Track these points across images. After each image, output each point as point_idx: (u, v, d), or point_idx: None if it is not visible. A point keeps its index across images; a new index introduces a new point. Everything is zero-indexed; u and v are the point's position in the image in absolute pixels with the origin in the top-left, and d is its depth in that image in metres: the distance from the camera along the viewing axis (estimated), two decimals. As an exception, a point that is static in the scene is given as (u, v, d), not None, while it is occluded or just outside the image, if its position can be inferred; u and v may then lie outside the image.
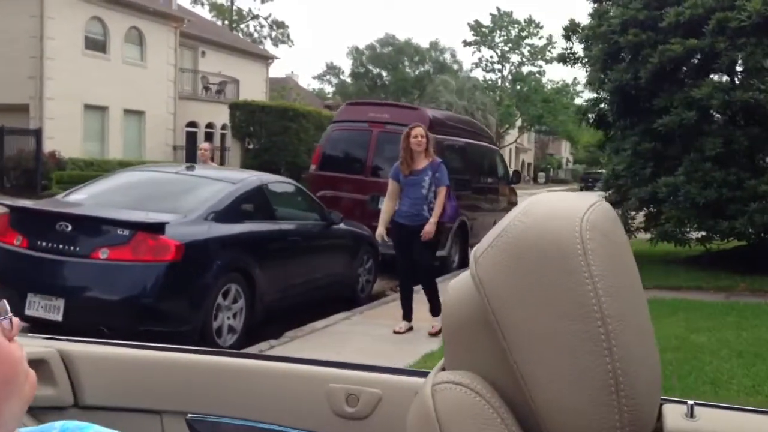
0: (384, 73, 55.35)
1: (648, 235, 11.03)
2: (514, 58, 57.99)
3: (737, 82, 9.11)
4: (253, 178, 7.25)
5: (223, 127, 31.99)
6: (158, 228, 5.75)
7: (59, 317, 5.66)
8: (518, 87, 56.50)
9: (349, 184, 10.60)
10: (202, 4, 52.72)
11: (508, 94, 55.99)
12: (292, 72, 58.03)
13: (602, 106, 11.17)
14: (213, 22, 46.35)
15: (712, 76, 9.78)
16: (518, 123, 57.20)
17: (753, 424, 1.15)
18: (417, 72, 54.99)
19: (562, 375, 0.76)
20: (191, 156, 31.00)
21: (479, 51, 58.71)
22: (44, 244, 5.83)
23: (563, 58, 11.60)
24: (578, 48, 11.55)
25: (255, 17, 54.76)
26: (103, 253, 5.69)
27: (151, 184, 6.97)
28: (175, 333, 5.84)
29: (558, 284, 0.77)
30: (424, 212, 6.60)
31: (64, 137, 24.75)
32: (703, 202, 9.04)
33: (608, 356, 0.75)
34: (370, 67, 56.04)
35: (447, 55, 55.29)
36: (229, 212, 6.54)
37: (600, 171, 63.70)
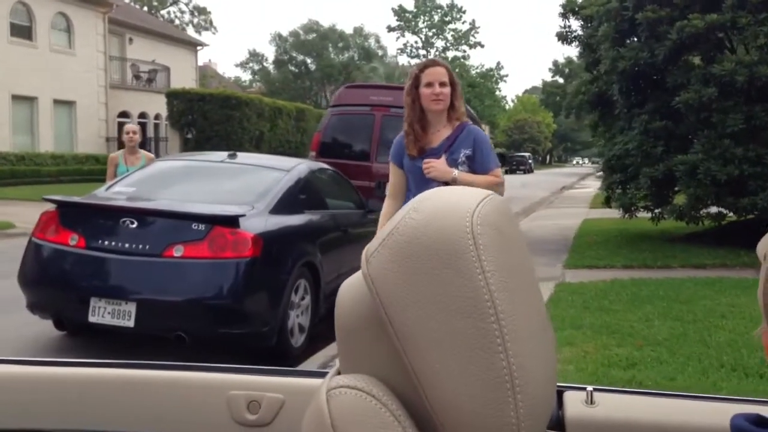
0: (309, 60, 54.71)
1: (648, 214, 11.06)
2: (439, 43, 58.23)
3: (756, 57, 9.10)
4: (303, 165, 6.78)
5: (157, 116, 30.79)
6: (233, 221, 5.25)
7: (131, 323, 5.10)
8: (443, 72, 56.74)
9: (354, 170, 10.23)
10: (117, -11, 50.58)
11: (435, 80, 56.19)
12: (210, 60, 56.53)
13: (601, 85, 11.05)
14: (138, 8, 44.55)
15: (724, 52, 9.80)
16: (443, 108, 57.58)
17: (650, 406, 1.20)
18: (342, 58, 54.59)
19: (458, 374, 0.75)
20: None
21: (403, 36, 58.90)
22: (107, 243, 5.25)
23: (562, 37, 11.46)
24: (576, 26, 11.44)
25: (175, 2, 52.91)
26: (177, 251, 5.15)
27: (201, 174, 6.41)
28: (254, 335, 5.37)
29: (450, 282, 0.75)
30: None
31: (-9, 131, 23.30)
32: (724, 179, 9.05)
33: (503, 353, 0.74)
34: (294, 54, 55.29)
35: (372, 41, 55.12)
36: (291, 202, 6.09)
37: (523, 154, 65.03)
